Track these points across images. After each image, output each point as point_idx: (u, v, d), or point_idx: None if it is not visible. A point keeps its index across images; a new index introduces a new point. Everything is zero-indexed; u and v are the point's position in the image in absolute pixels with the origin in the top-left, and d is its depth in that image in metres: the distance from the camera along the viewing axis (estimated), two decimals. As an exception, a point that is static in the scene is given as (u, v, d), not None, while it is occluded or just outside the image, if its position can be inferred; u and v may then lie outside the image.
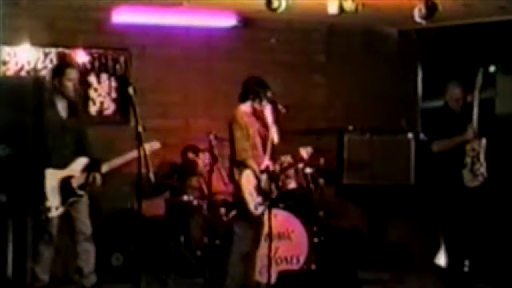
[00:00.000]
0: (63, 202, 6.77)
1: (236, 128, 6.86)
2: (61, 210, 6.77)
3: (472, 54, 8.74)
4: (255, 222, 7.01)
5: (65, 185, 6.78)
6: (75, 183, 6.81)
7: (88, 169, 6.87)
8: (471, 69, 8.67)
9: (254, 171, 6.87)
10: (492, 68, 8.56)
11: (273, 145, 7.04)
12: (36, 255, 6.83)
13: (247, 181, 6.86)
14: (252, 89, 6.95)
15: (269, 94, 6.96)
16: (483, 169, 7.35)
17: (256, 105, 6.97)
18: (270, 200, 6.98)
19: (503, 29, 8.29)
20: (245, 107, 6.97)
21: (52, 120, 6.76)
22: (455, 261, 7.48)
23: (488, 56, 8.61)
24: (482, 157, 7.35)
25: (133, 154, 6.75)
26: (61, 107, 6.88)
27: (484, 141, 7.33)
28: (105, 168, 6.87)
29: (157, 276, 7.50)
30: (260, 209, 6.96)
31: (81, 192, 6.84)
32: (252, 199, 6.88)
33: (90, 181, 6.85)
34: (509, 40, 8.35)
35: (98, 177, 6.87)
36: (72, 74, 6.89)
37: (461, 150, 7.35)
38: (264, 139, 6.99)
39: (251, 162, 6.86)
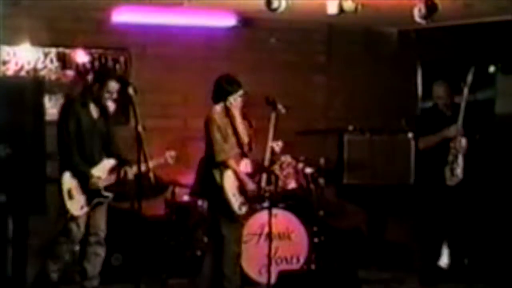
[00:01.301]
0: (89, 202, 6.73)
1: (214, 129, 6.81)
2: (86, 209, 6.71)
3: (472, 54, 8.74)
4: (240, 222, 7.03)
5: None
6: (101, 183, 6.77)
7: (118, 165, 6.83)
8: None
9: (234, 171, 6.87)
10: (492, 68, 8.56)
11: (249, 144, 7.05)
12: (53, 253, 6.79)
13: (229, 182, 6.84)
14: (224, 89, 6.90)
15: (240, 91, 6.91)
16: (459, 170, 7.42)
17: (229, 105, 6.90)
18: (250, 200, 7.00)
19: (503, 29, 8.29)
20: (220, 108, 6.92)
21: (83, 120, 6.76)
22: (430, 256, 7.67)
23: (488, 56, 8.61)
24: (460, 158, 7.41)
25: (160, 160, 6.78)
26: (93, 107, 6.84)
27: (464, 141, 7.37)
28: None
29: (157, 276, 7.50)
30: (244, 209, 6.96)
31: (107, 194, 6.80)
32: (236, 200, 6.86)
33: (121, 176, 6.79)
34: (509, 40, 8.35)
35: (129, 170, 6.77)
36: (112, 87, 6.79)
37: (446, 148, 7.41)
38: (239, 139, 6.99)
39: (231, 162, 6.85)
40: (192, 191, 7.53)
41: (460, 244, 7.81)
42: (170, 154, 7.04)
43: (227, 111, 6.92)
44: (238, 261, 7.09)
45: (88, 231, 6.83)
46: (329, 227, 8.27)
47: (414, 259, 8.28)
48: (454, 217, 7.56)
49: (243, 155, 6.98)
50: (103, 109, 6.91)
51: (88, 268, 6.87)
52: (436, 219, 7.57)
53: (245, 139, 7.00)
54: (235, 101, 6.89)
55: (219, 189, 6.82)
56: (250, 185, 6.94)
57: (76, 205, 6.67)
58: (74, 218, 6.68)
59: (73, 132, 6.69)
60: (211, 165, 6.87)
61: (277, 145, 7.11)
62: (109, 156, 6.89)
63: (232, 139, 6.92)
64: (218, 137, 6.83)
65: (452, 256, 7.85)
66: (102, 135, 6.88)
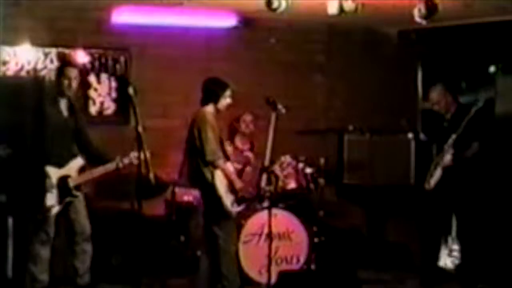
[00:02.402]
0: (60, 201, 6.79)
1: (208, 129, 6.87)
2: (57, 208, 6.78)
3: (472, 54, 8.74)
4: (232, 220, 7.05)
5: (62, 184, 6.80)
6: (71, 183, 6.82)
7: (94, 163, 6.89)
8: (471, 69, 8.68)
9: (224, 171, 6.91)
10: (492, 68, 8.56)
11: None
12: (33, 255, 6.83)
13: (220, 180, 6.89)
14: (215, 91, 6.99)
15: (227, 93, 6.98)
16: (433, 180, 7.50)
17: (220, 106, 7.00)
18: (244, 199, 7.06)
19: (503, 29, 8.29)
20: (210, 109, 6.99)
21: (54, 119, 6.81)
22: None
23: (488, 56, 8.61)
24: (439, 169, 7.43)
25: (124, 161, 6.80)
26: (63, 106, 6.92)
27: (449, 157, 7.39)
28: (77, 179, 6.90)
29: (157, 276, 7.50)
30: (236, 207, 6.99)
31: (77, 193, 6.86)
32: (227, 198, 6.92)
33: (97, 176, 6.87)
34: (509, 40, 8.34)
35: (103, 169, 6.87)
36: (71, 73, 6.91)
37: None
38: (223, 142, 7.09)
39: (220, 162, 6.90)
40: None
41: (461, 244, 7.83)
42: (134, 155, 6.98)
43: (216, 113, 7.00)
44: (235, 260, 7.11)
45: (73, 231, 6.89)
46: (329, 227, 8.27)
47: (414, 259, 8.29)
48: (465, 216, 7.57)
49: (226, 158, 7.05)
50: (71, 107, 6.96)
51: (79, 266, 6.93)
52: (436, 219, 7.60)
53: (226, 144, 7.11)
54: (225, 100, 6.97)
55: (211, 187, 6.85)
56: (239, 184, 6.97)
57: (50, 206, 6.73)
58: (45, 218, 6.73)
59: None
60: (201, 163, 6.90)
61: (251, 155, 7.22)
62: (83, 153, 6.94)
63: (219, 141, 6.99)
64: (211, 136, 6.87)
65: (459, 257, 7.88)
66: (73, 134, 6.94)
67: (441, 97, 7.59)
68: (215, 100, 6.97)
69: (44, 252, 6.84)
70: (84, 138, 7.03)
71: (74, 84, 6.90)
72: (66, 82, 6.86)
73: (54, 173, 6.79)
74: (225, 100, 6.99)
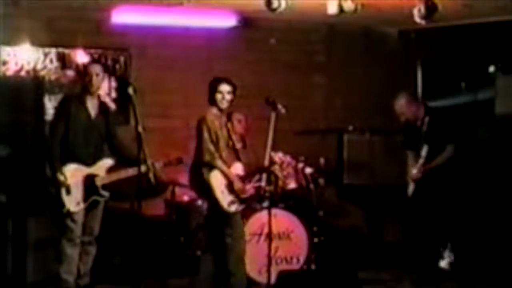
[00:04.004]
0: (86, 198, 6.73)
1: (204, 129, 6.89)
2: (82, 206, 6.72)
3: (472, 54, 8.74)
4: (236, 219, 7.03)
5: (89, 182, 6.76)
6: (99, 182, 6.79)
7: (122, 164, 6.88)
8: (471, 69, 8.68)
9: (222, 171, 6.91)
10: (492, 68, 8.57)
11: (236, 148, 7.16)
12: (59, 254, 6.76)
13: (216, 180, 6.90)
14: (209, 89, 6.99)
15: (222, 87, 6.93)
16: (410, 190, 7.67)
17: (218, 105, 6.96)
18: (242, 199, 7.02)
19: (503, 29, 8.30)
20: (211, 110, 6.98)
21: (79, 117, 6.76)
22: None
23: (488, 56, 8.62)
24: (412, 184, 7.62)
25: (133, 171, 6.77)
26: (91, 105, 6.85)
27: (415, 171, 7.54)
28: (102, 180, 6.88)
29: (157, 277, 7.50)
30: (234, 207, 6.97)
31: (104, 193, 6.82)
32: (224, 197, 6.91)
33: (123, 176, 6.84)
34: (509, 40, 8.35)
35: (157, 165, 6.81)
36: (92, 69, 6.84)
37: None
38: (232, 142, 7.09)
39: (218, 162, 6.90)
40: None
41: (460, 244, 7.83)
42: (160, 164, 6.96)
43: (220, 113, 6.97)
44: (243, 258, 7.09)
45: (83, 230, 6.85)
46: (329, 227, 8.27)
47: (413, 259, 8.28)
48: (454, 218, 7.57)
49: (237, 158, 7.03)
50: (102, 107, 6.92)
51: (80, 266, 6.89)
52: (432, 220, 7.58)
53: (236, 143, 7.07)
54: (221, 96, 6.90)
55: (208, 187, 6.87)
56: (238, 184, 6.96)
57: (73, 201, 6.68)
58: (69, 214, 6.68)
59: (59, 128, 6.70)
60: (200, 163, 6.91)
61: (278, 156, 7.20)
62: (114, 154, 6.91)
63: (222, 142, 6.98)
64: (206, 137, 6.89)
65: (454, 256, 7.87)
66: (101, 133, 6.89)
67: (405, 108, 7.66)
68: (212, 98, 6.95)
69: (71, 251, 6.76)
70: (114, 139, 6.98)
71: (96, 80, 6.79)
72: (87, 79, 6.80)
73: (80, 171, 6.73)
74: (221, 96, 6.92)
